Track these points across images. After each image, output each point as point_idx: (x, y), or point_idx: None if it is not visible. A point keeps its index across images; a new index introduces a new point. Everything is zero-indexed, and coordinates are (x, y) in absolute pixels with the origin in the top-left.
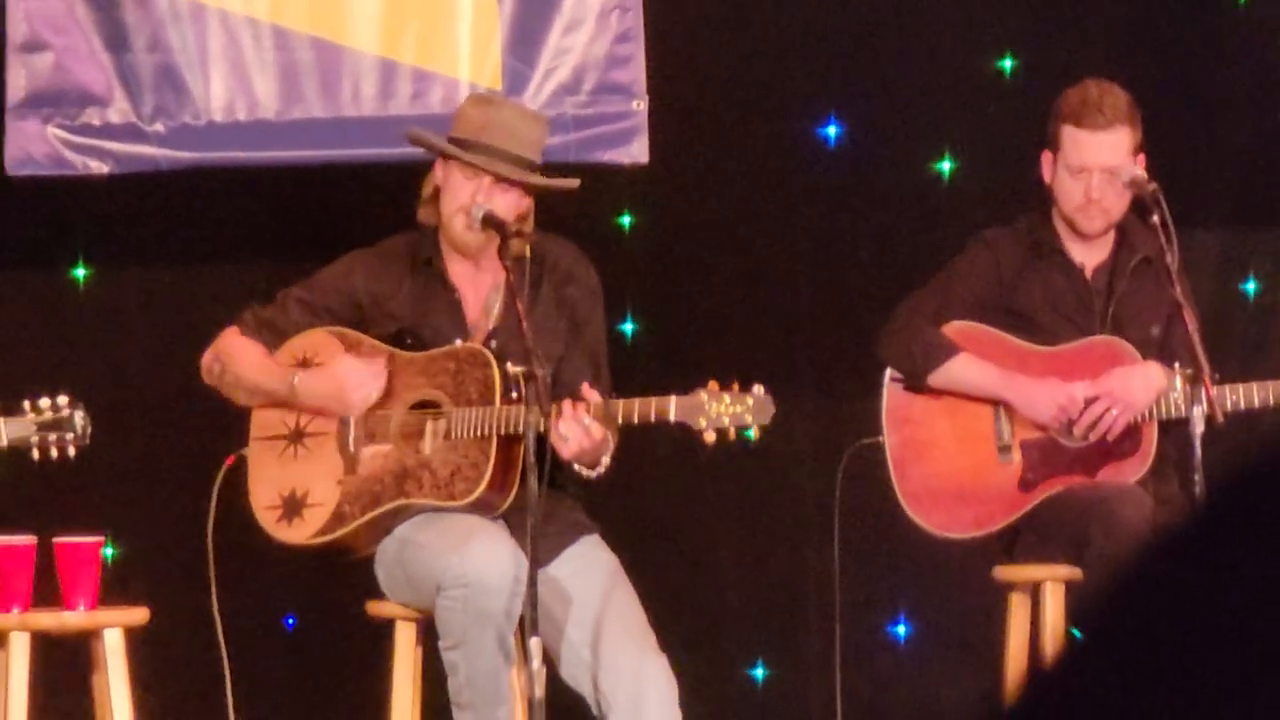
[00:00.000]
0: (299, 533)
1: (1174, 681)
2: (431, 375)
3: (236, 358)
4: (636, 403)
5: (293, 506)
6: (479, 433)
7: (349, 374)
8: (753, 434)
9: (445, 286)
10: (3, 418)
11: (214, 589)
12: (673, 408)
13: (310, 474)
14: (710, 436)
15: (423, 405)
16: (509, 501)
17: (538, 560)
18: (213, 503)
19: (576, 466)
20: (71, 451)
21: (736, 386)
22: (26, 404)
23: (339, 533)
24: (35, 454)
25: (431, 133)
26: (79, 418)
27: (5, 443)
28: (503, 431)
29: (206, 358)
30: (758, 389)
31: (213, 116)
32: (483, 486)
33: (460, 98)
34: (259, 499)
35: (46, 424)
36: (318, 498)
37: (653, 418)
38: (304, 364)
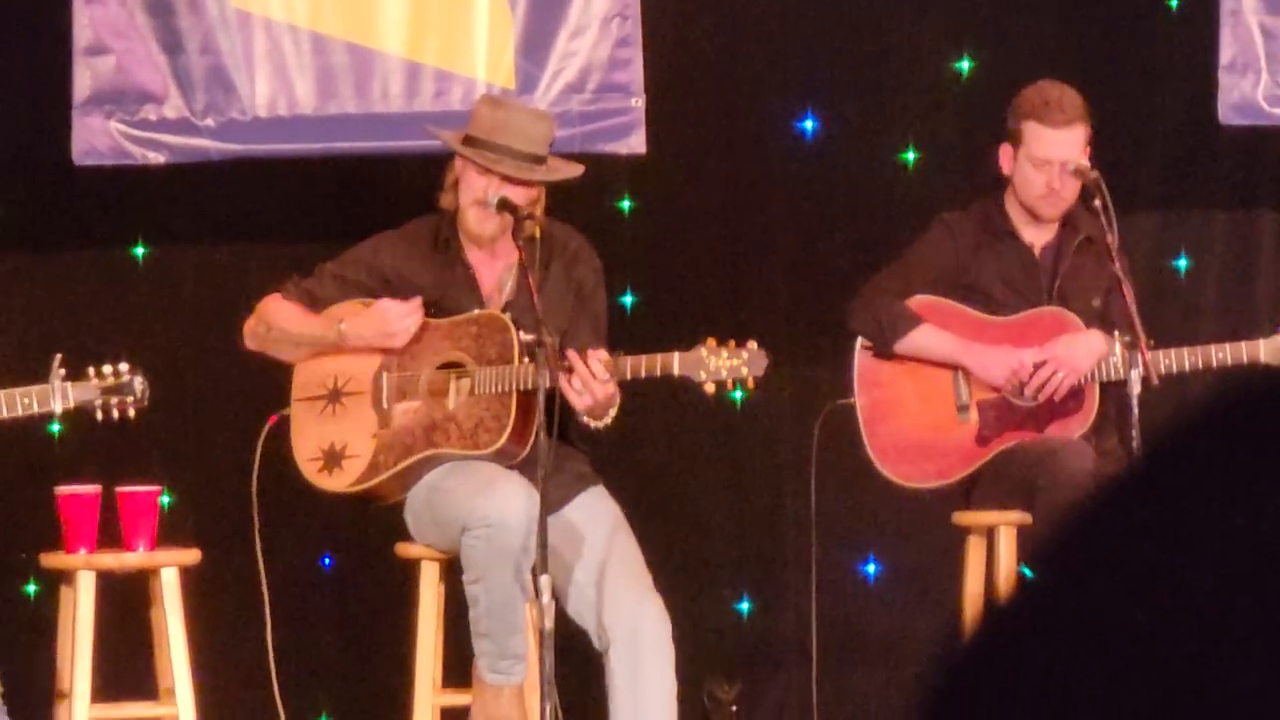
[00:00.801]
0: (339, 481)
1: (1112, 611)
2: (455, 339)
3: (283, 315)
4: (643, 359)
5: (333, 458)
6: (500, 389)
7: (390, 308)
8: (743, 392)
9: (463, 264)
10: (70, 382)
11: (257, 533)
12: (676, 363)
13: (348, 429)
14: (710, 388)
15: (448, 366)
16: (526, 451)
17: (549, 506)
18: (256, 457)
19: (586, 418)
20: (131, 413)
21: (733, 343)
22: (91, 370)
23: (375, 480)
24: (99, 415)
25: (451, 131)
26: (138, 382)
27: (72, 404)
28: (521, 388)
29: (249, 323)
30: (751, 344)
31: (258, 112)
32: (504, 437)
33: (478, 95)
34: (302, 453)
35: (109, 388)
36: (355, 450)
37: (658, 372)
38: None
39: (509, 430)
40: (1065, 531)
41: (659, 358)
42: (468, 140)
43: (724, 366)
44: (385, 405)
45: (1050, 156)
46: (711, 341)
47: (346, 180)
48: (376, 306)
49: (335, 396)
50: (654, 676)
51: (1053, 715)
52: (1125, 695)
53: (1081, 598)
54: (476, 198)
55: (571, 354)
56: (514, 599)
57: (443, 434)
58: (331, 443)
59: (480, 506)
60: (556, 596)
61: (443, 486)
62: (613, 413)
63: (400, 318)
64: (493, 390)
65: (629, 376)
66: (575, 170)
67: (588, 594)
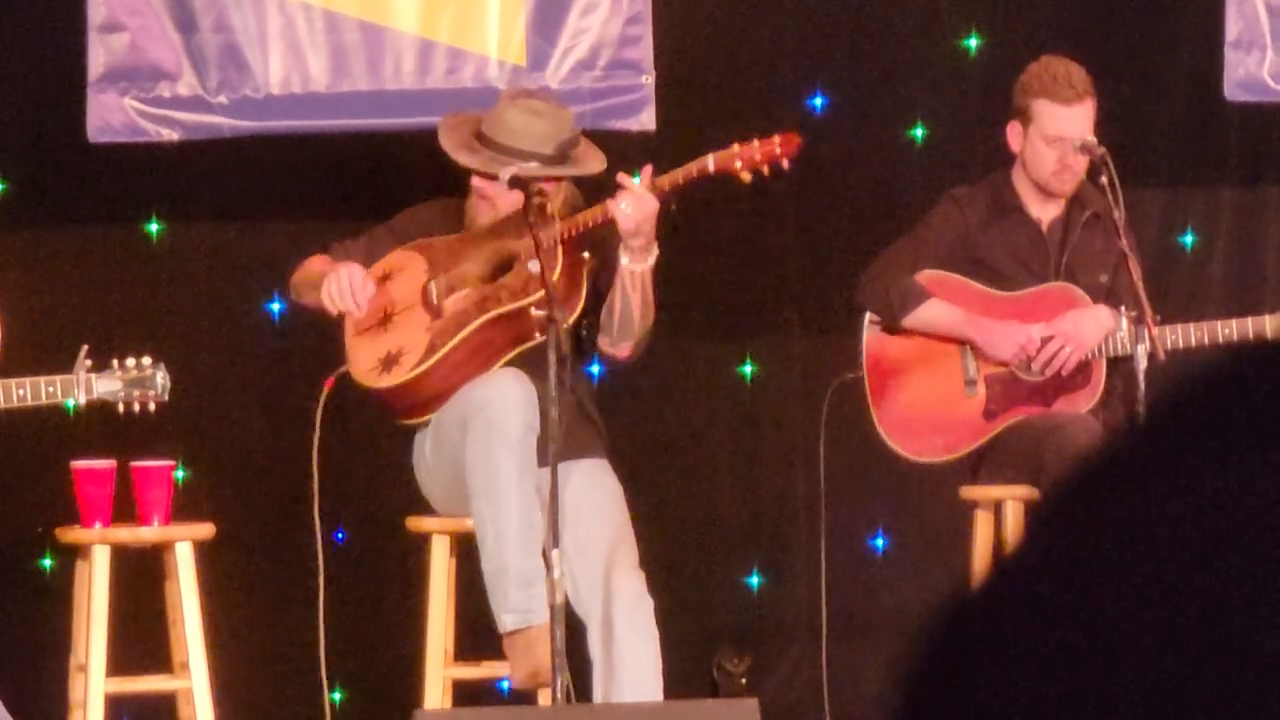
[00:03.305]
0: (396, 376)
1: (1119, 577)
2: (499, 234)
3: (307, 266)
4: (679, 169)
5: (389, 361)
6: (554, 241)
7: (354, 272)
8: (778, 169)
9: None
10: (94, 374)
11: (316, 505)
12: (711, 161)
13: (402, 336)
14: (746, 177)
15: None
16: (573, 316)
17: (557, 480)
18: (317, 425)
19: (630, 262)
20: (152, 407)
21: (758, 139)
22: (115, 362)
23: (432, 360)
24: (120, 408)
25: (463, 126)
26: (160, 376)
27: (96, 396)
28: (567, 237)
29: (292, 278)
30: (778, 136)
31: (271, 90)
32: (557, 273)
33: (489, 73)
34: (361, 369)
35: (132, 381)
36: (411, 346)
37: (695, 174)
38: (387, 278)
39: (560, 269)
40: (1067, 504)
41: (693, 164)
42: (479, 136)
43: (756, 153)
44: (436, 302)
45: (1062, 133)
46: (739, 141)
47: (359, 157)
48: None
49: (386, 319)
50: (628, 656)
51: (1048, 692)
52: (1127, 669)
53: (1084, 564)
54: (480, 192)
55: (620, 175)
56: (524, 504)
57: (494, 300)
58: (388, 351)
59: (478, 394)
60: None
61: (444, 413)
62: (654, 253)
63: (350, 286)
64: (548, 244)
65: (667, 188)
66: (591, 168)
67: (574, 563)
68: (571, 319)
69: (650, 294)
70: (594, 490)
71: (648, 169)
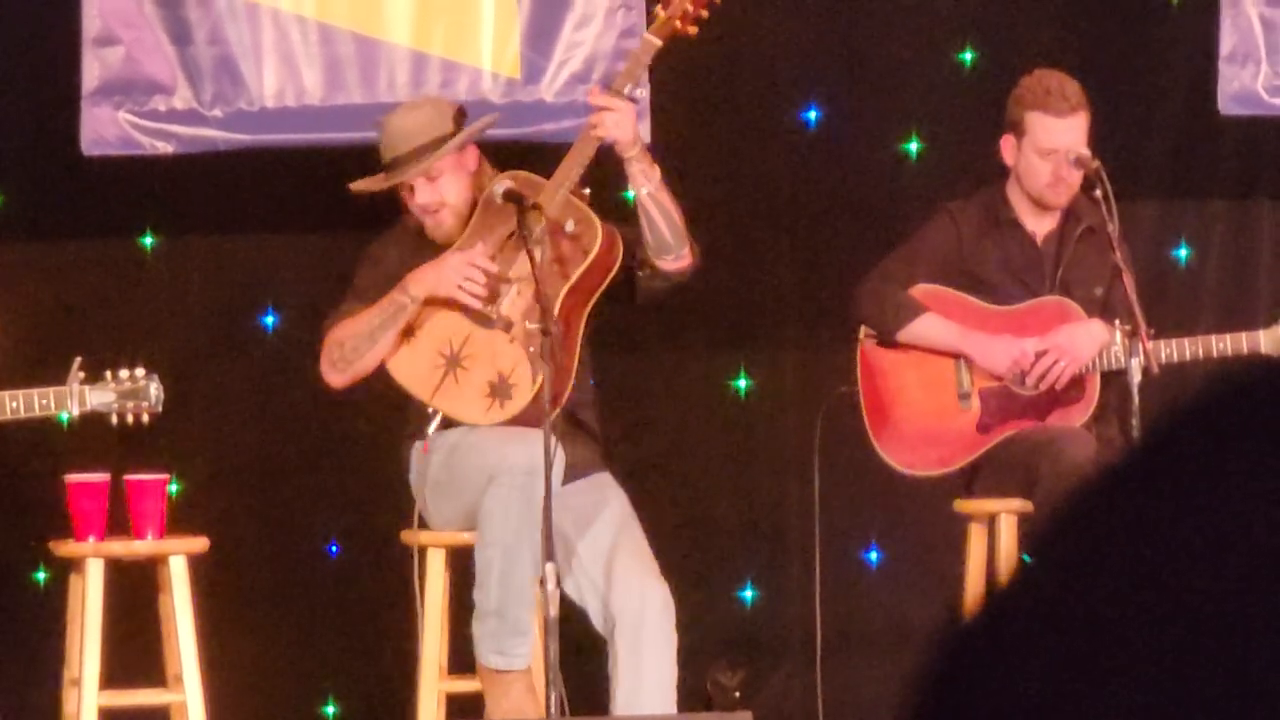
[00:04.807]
0: (520, 396)
1: (1111, 599)
2: (489, 230)
3: (347, 326)
4: (628, 64)
5: (498, 391)
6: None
7: (443, 254)
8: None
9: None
10: (87, 386)
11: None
12: (651, 38)
13: (488, 363)
14: (692, 30)
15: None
16: (618, 261)
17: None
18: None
19: (643, 186)
20: (146, 419)
21: None
22: (108, 373)
23: (541, 368)
24: (114, 419)
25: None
26: (154, 388)
27: (89, 408)
28: (575, 189)
29: (322, 362)
30: None
31: (265, 103)
32: (598, 232)
33: (483, 86)
34: (473, 414)
35: (125, 392)
36: (508, 365)
37: (644, 56)
38: (412, 333)
39: (579, 219)
40: (1064, 519)
41: (637, 49)
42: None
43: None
44: (496, 316)
45: (1056, 145)
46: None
47: (353, 170)
48: (445, 254)
49: (453, 361)
50: (653, 662)
51: (1050, 704)
52: (1123, 683)
53: (1080, 586)
54: (415, 208)
55: (591, 96)
56: (530, 561)
57: (558, 276)
58: (488, 383)
59: (513, 454)
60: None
61: (465, 443)
62: (656, 167)
63: (455, 249)
64: (555, 211)
65: (627, 84)
66: (486, 120)
67: (593, 574)
68: (618, 261)
69: (670, 205)
70: (607, 503)
71: (595, 89)
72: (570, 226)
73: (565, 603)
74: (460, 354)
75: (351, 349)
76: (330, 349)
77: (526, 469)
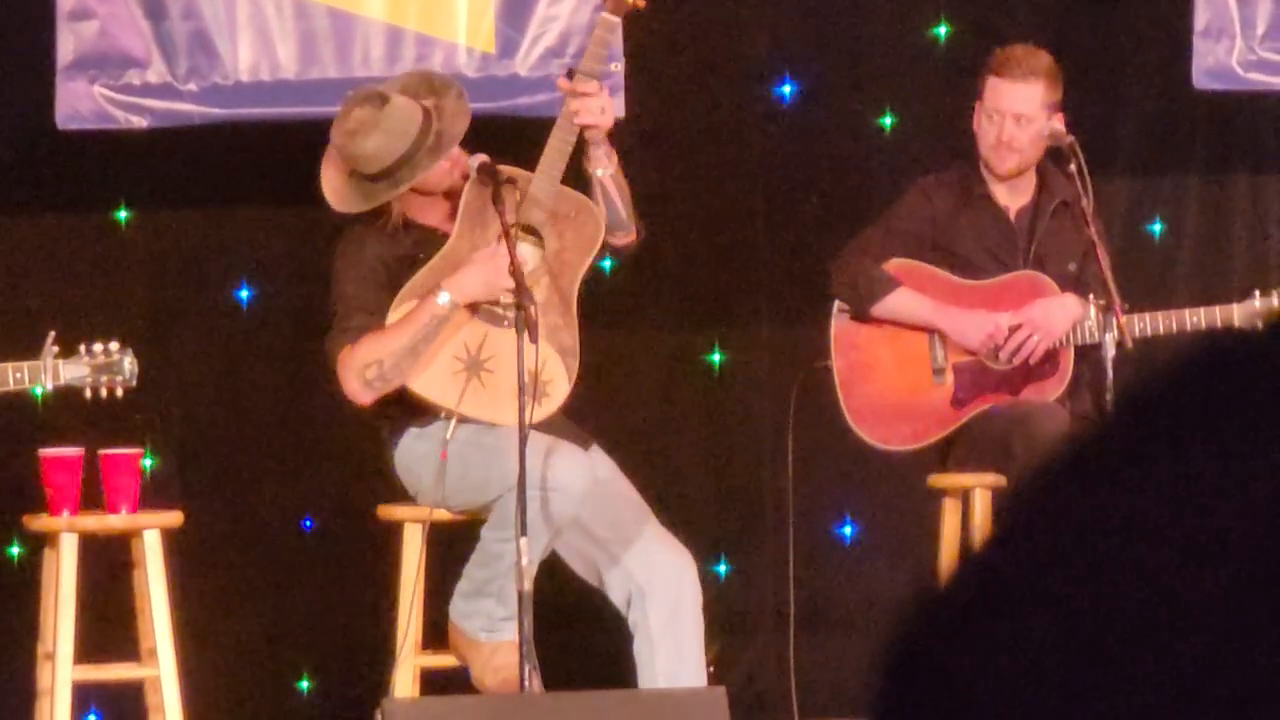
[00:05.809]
0: (559, 390)
1: (1084, 570)
2: (480, 225)
3: (380, 342)
4: (591, 48)
5: (536, 389)
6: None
7: (478, 254)
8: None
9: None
10: (61, 360)
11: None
12: (605, 12)
13: (517, 358)
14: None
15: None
16: (632, 239)
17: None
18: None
19: (603, 170)
20: (120, 393)
21: None
22: (82, 347)
23: (578, 353)
24: (88, 393)
25: (334, 178)
26: (128, 362)
27: (63, 381)
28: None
29: (350, 384)
30: None
31: (240, 77)
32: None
33: (458, 60)
34: (510, 417)
35: (99, 367)
36: (539, 364)
37: (606, 35)
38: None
39: (592, 211)
40: (1036, 493)
41: (596, 28)
42: (353, 174)
43: None
44: (506, 314)
45: (1000, 107)
46: None
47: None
48: (475, 257)
49: (474, 365)
50: (692, 631)
51: (1022, 676)
52: (1093, 656)
53: (1051, 559)
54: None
55: (562, 83)
56: (536, 565)
57: (569, 267)
58: (521, 383)
59: (541, 466)
60: (566, 556)
61: (483, 442)
62: (614, 152)
63: (488, 249)
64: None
65: (596, 68)
66: (461, 124)
67: (613, 550)
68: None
69: (624, 185)
70: (611, 479)
71: (562, 78)
72: (572, 215)
73: (543, 583)
74: (481, 356)
75: (392, 367)
76: (361, 370)
77: (559, 485)
